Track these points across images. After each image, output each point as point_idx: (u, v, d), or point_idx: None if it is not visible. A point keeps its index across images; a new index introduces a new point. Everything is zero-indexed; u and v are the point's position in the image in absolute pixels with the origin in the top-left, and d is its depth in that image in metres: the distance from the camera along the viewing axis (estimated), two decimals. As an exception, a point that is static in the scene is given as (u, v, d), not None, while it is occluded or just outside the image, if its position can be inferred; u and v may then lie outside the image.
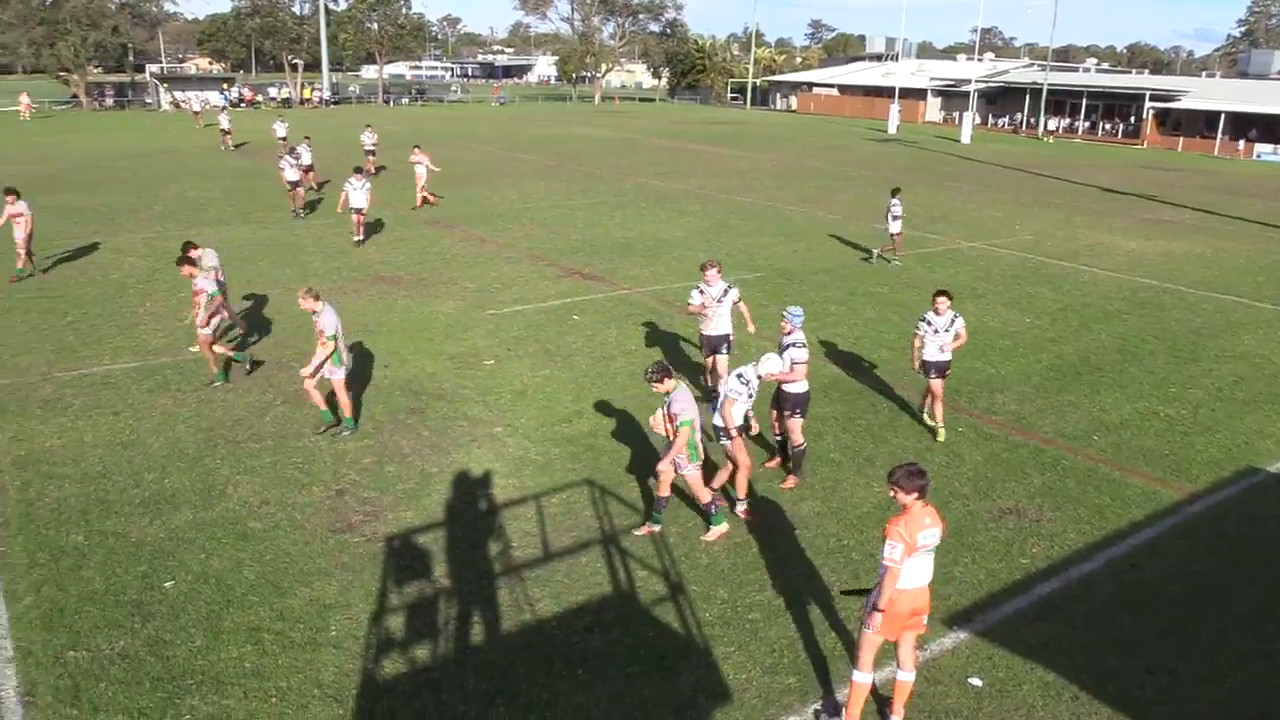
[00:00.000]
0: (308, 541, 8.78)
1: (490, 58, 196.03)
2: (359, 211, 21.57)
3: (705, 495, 8.88)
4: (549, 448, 10.87)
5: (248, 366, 13.09)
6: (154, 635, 7.37)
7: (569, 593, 8.06)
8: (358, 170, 22.55)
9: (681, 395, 8.53)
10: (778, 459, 10.49)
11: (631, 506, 9.55)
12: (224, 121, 42.39)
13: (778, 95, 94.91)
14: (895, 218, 20.87)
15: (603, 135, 55.38)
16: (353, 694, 6.82)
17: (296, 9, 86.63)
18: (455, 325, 15.56)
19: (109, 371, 13.05)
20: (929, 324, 11.22)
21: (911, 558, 6.22)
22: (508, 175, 34.85)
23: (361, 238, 21.66)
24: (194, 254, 13.47)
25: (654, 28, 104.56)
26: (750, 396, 9.11)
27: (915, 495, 6.22)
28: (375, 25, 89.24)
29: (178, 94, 75.26)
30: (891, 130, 63.52)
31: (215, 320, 12.73)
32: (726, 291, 11.78)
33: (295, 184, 25.40)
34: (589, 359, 14.03)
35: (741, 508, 9.35)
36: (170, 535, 8.81)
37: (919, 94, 77.02)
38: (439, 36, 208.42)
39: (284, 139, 37.14)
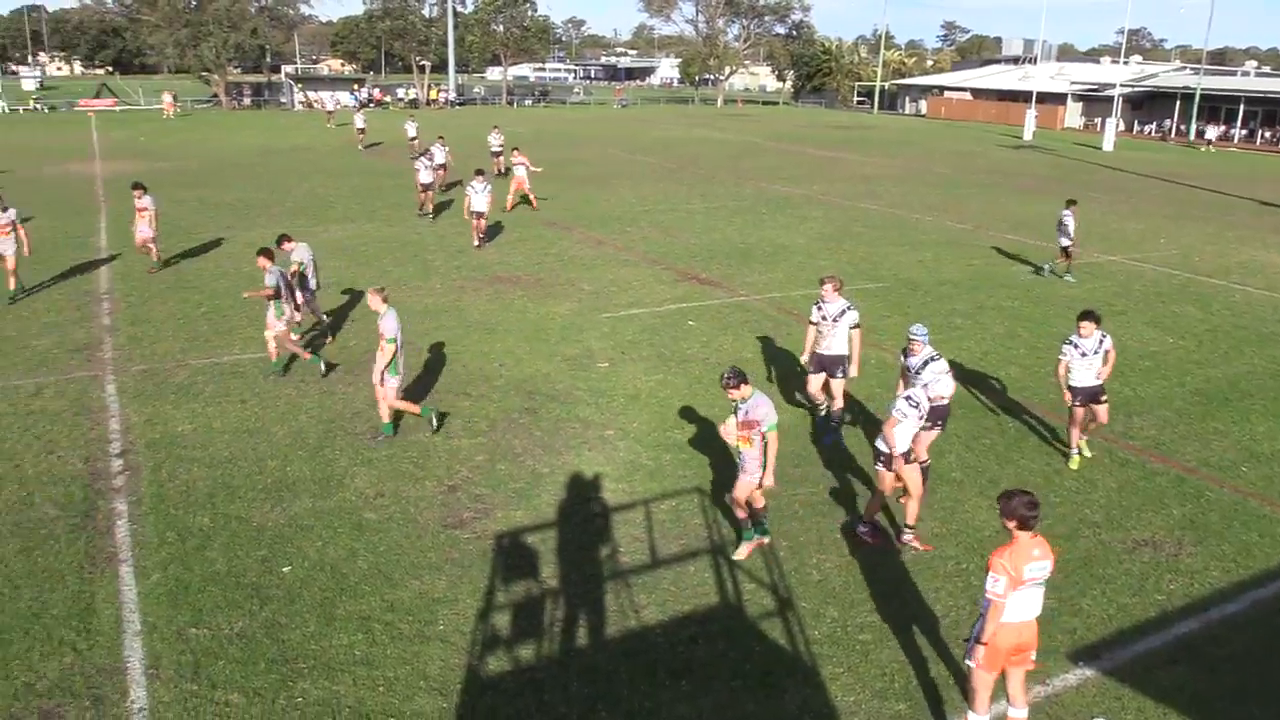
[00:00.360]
0: (419, 535, 9.03)
1: (613, 60, 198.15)
2: (479, 215, 21.68)
3: (743, 511, 8.74)
4: (660, 453, 10.90)
5: (322, 369, 13.18)
6: (270, 618, 7.70)
7: (675, 601, 8.06)
8: (479, 172, 22.60)
9: (762, 400, 8.39)
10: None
11: (741, 517, 9.49)
12: (359, 121, 44.07)
13: (906, 99, 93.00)
14: (1064, 230, 19.91)
15: (724, 138, 55.31)
16: (457, 688, 6.97)
17: (426, 12, 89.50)
18: (571, 327, 15.77)
19: (238, 361, 13.72)
20: (1075, 346, 10.69)
21: (1017, 591, 6.00)
22: (627, 177, 35.16)
23: (481, 240, 21.81)
24: (286, 246, 14.24)
25: (779, 29, 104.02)
26: (921, 419, 8.80)
27: (1020, 524, 6.01)
28: (501, 27, 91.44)
29: (310, 94, 78.72)
30: (1027, 136, 61.42)
31: (289, 314, 12.99)
32: (844, 312, 11.15)
33: (428, 186, 25.58)
34: (704, 365, 14.01)
35: (908, 536, 9.02)
36: (290, 522, 9.19)
37: (1058, 99, 74.24)
38: (563, 39, 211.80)
39: (415, 139, 38.29)
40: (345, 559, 8.59)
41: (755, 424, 8.35)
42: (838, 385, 11.40)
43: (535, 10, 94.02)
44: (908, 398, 8.81)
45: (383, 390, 10.95)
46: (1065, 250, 19.99)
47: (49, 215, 24.82)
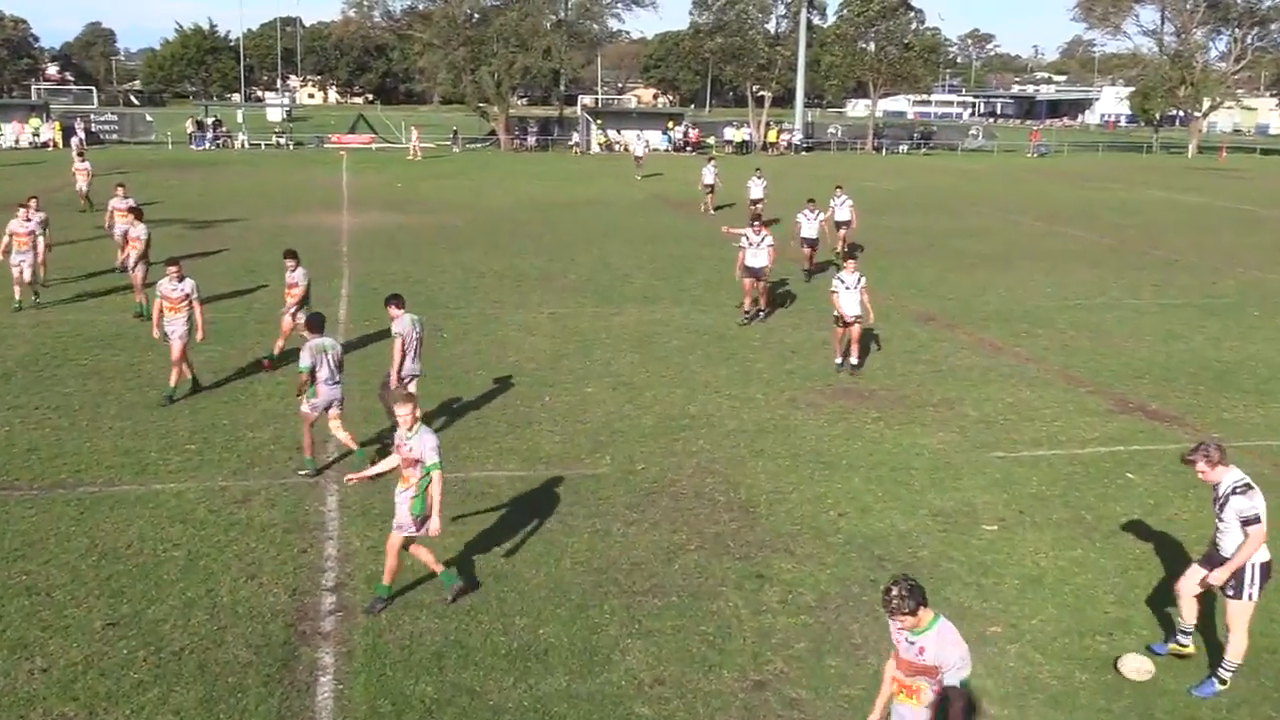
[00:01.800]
0: (708, 747, 9.03)
1: (1030, 89, 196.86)
2: (848, 321, 20.33)
3: None
4: (1071, 670, 10.37)
5: (358, 459, 14.55)
6: (500, 838, 7.94)
7: None
8: (850, 257, 21.34)
9: (951, 637, 7.42)
10: None
11: (1198, 782, 8.71)
12: (708, 175, 44.22)
13: None
14: None
15: (1196, 203, 53.04)
16: None
17: (770, 26, 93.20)
18: (944, 468, 15.49)
19: (490, 478, 14.60)
20: None
21: None
22: (1041, 258, 34.47)
23: (849, 356, 20.43)
24: (393, 312, 15.74)
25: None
26: None
27: None
28: (871, 45, 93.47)
29: (611, 133, 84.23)
30: None
31: (322, 396, 14.64)
32: (1230, 496, 10.04)
33: (755, 273, 24.33)
34: (1147, 540, 13.24)
35: None
36: (536, 704, 9.53)
37: None
38: (958, 60, 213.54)
39: (759, 202, 38.64)
40: (604, 768, 8.73)
41: (934, 670, 7.45)
42: (1237, 612, 10.09)
43: (923, 22, 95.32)
44: None
45: (397, 535, 11.19)
46: None
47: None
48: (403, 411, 11.05)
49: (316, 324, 14.95)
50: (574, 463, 15.34)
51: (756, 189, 39.68)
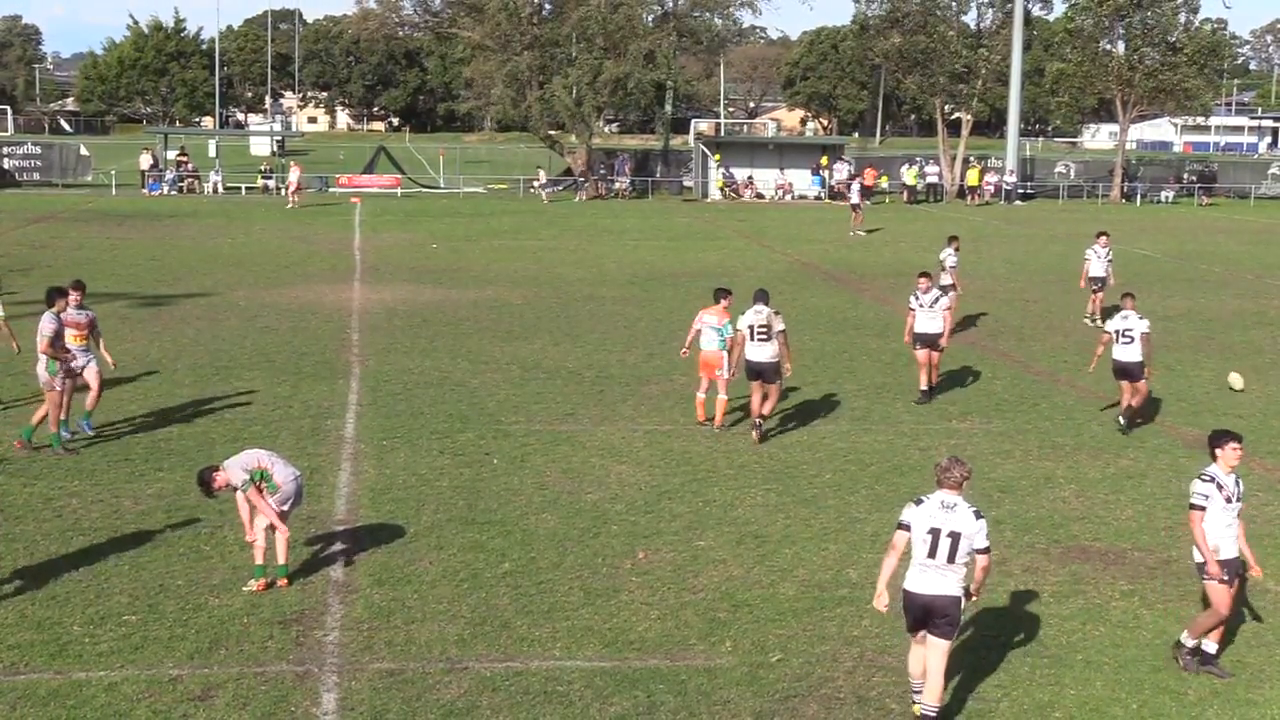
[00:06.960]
0: None
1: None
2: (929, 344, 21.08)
3: None
4: None
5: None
6: None
7: None
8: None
9: None
10: None
11: None
12: (1098, 266, 38.87)
13: None
14: None
15: None
16: None
17: (969, 18, 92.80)
18: (1234, 669, 15.01)
19: (557, 672, 14.37)
20: None
21: None
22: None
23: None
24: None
25: None
26: None
27: None
28: (1121, 46, 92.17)
29: (737, 171, 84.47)
30: None
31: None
32: None
33: (1129, 369, 24.34)
34: None
35: None
36: None
37: None
38: (1251, 67, 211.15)
39: (1100, 283, 37.78)
40: None
41: None
42: None
43: (1195, 12, 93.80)
44: None
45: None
46: None
47: (269, 376, 28.32)
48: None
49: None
50: (679, 650, 15.16)
51: (1098, 265, 38.36)
